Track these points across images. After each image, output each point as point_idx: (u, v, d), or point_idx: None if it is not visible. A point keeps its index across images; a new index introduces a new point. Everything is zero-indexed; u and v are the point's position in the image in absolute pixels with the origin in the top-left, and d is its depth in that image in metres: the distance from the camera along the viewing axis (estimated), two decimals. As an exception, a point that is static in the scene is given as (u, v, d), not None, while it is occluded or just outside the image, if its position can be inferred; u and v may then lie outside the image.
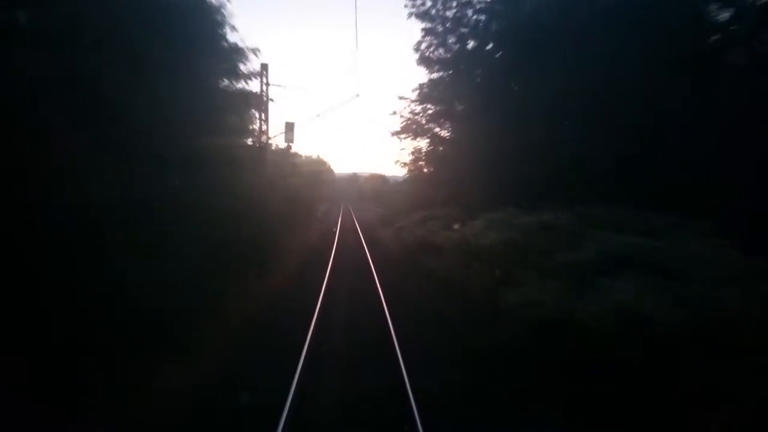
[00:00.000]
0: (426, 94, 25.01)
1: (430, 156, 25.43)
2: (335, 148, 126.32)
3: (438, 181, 22.67)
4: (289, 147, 27.85)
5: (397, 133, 26.25)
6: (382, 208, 46.14)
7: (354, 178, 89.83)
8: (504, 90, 19.53)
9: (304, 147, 75.80)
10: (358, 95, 22.66)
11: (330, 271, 13.93)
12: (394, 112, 26.79)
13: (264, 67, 21.65)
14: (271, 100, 21.92)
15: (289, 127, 26.98)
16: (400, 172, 35.65)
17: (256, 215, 17.44)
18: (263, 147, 22.29)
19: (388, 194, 50.72)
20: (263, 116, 21.91)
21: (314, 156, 63.48)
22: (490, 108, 18.36)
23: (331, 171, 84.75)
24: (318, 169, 61.97)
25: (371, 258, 16.35)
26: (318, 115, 23.19)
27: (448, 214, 15.55)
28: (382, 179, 70.99)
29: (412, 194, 28.67)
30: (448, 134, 25.73)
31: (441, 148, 24.66)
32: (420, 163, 28.35)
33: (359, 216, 43.12)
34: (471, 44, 23.55)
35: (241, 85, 14.64)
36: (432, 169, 26.14)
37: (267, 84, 21.60)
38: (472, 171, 17.07)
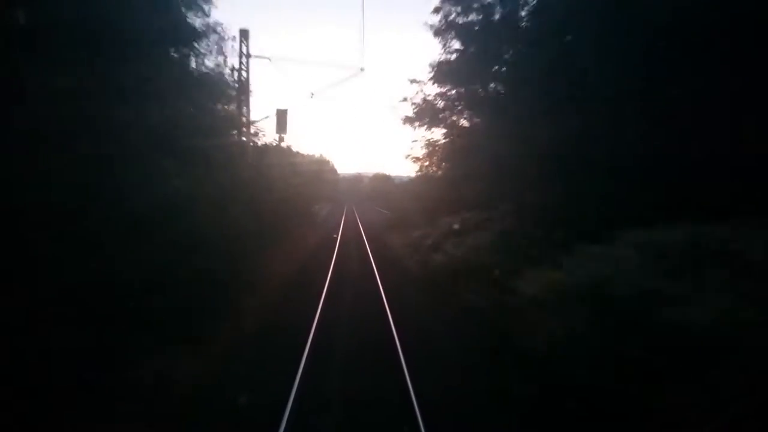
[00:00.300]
0: (444, 72, 19.87)
1: (449, 149, 20.22)
2: (339, 147, 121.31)
3: (462, 179, 17.47)
4: (281, 139, 22.64)
5: (409, 120, 21.17)
6: (388, 209, 41.16)
7: (358, 178, 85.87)
8: (553, 64, 14.31)
9: (305, 146, 70.55)
10: (362, 69, 17.48)
11: (315, 332, 7.73)
12: (405, 99, 21.78)
13: (244, 34, 16.56)
14: (244, 71, 16.83)
15: (282, 116, 21.98)
16: (405, 172, 30.54)
17: (228, 225, 12.40)
18: (242, 136, 17.22)
19: (394, 194, 45.99)
20: (243, 97, 16.84)
21: (317, 155, 59.59)
22: (536, 87, 13.13)
23: (334, 171, 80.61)
24: (320, 169, 57.66)
25: (387, 296, 10.20)
26: (312, 95, 17.93)
27: (502, 223, 9.95)
28: (386, 179, 66.33)
29: (425, 195, 23.43)
30: (468, 123, 20.62)
31: (461, 139, 19.47)
32: (435, 157, 23.16)
33: (364, 219, 38.03)
34: (500, 12, 18.50)
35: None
36: (449, 165, 20.85)
37: (247, 56, 16.52)
38: (520, 168, 11.83)
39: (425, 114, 20.89)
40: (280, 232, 19.25)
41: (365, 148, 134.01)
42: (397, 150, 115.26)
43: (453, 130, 21.11)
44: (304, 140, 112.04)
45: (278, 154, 23.86)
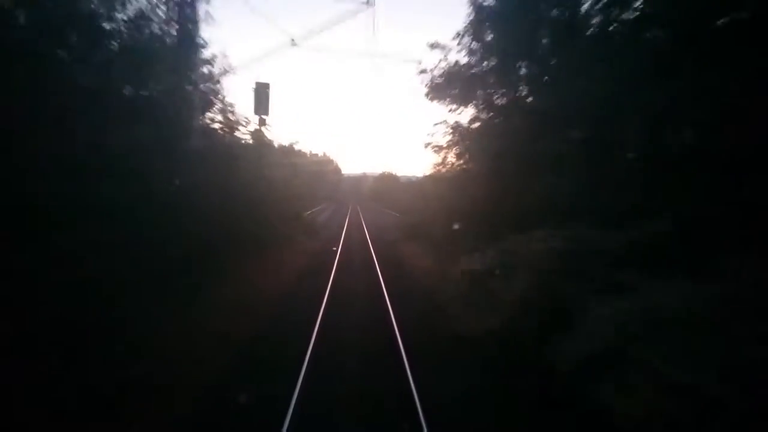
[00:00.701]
0: (485, 23, 13.59)
1: (498, 131, 13.79)
2: (342, 143, 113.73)
3: (525, 176, 11.14)
4: (262, 122, 16.27)
5: (435, 90, 14.93)
6: (397, 211, 34.96)
7: (363, 179, 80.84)
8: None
9: (306, 143, 64.17)
10: (368, 2, 11.09)
11: None
12: (424, 70, 15.60)
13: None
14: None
15: (262, 92, 15.92)
16: (412, 172, 24.21)
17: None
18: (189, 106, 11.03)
19: (402, 195, 39.88)
20: (186, 42, 10.62)
21: (320, 154, 54.80)
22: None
23: (338, 171, 75.35)
24: (321, 170, 52.26)
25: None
26: (293, 42, 11.06)
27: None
28: (393, 178, 60.63)
29: (451, 196, 16.96)
30: (507, 98, 14.27)
31: (520, 119, 13.12)
32: (465, 146, 16.69)
33: (371, 223, 31.62)
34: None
35: None
36: (495, 155, 14.38)
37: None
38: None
39: (455, 83, 14.60)
40: (243, 256, 12.91)
41: (370, 143, 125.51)
42: (403, 147, 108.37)
43: (491, 105, 14.80)
44: (294, 126, 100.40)
45: (258, 147, 17.45)
